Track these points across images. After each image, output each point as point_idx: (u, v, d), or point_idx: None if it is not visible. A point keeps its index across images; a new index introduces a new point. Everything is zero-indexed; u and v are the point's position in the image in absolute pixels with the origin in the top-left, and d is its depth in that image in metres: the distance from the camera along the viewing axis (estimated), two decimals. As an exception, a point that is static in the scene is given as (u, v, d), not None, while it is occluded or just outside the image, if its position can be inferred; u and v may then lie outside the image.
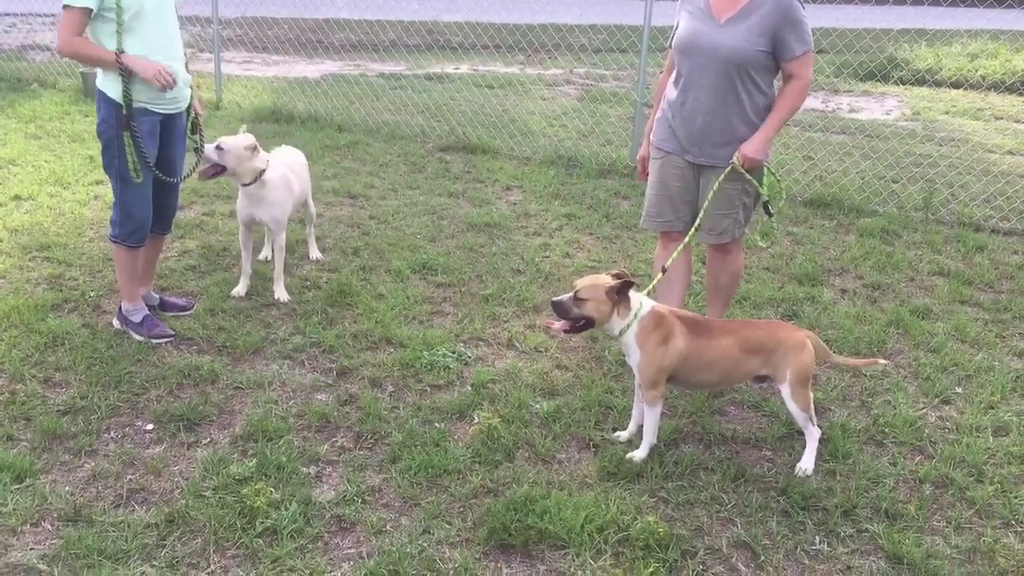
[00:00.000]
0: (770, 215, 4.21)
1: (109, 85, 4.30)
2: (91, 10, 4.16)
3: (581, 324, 3.60)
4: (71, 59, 4.36)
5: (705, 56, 4.02)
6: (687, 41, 4.10)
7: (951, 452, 3.79)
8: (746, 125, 4.07)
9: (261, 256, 5.73)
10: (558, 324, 3.64)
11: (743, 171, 4.06)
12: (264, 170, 5.01)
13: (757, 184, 4.12)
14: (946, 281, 5.81)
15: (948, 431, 4.02)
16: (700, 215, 4.16)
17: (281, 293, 5.17)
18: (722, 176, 4.08)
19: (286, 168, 5.25)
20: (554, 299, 3.62)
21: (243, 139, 4.95)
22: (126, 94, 4.25)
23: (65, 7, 4.16)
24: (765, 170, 4.11)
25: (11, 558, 3.02)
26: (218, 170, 4.90)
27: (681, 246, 4.14)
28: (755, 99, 4.06)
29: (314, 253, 5.83)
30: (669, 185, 4.32)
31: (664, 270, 4.07)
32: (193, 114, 4.70)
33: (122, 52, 4.22)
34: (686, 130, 4.17)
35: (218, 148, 4.85)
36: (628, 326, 3.59)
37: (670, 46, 4.27)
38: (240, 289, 5.20)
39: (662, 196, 4.37)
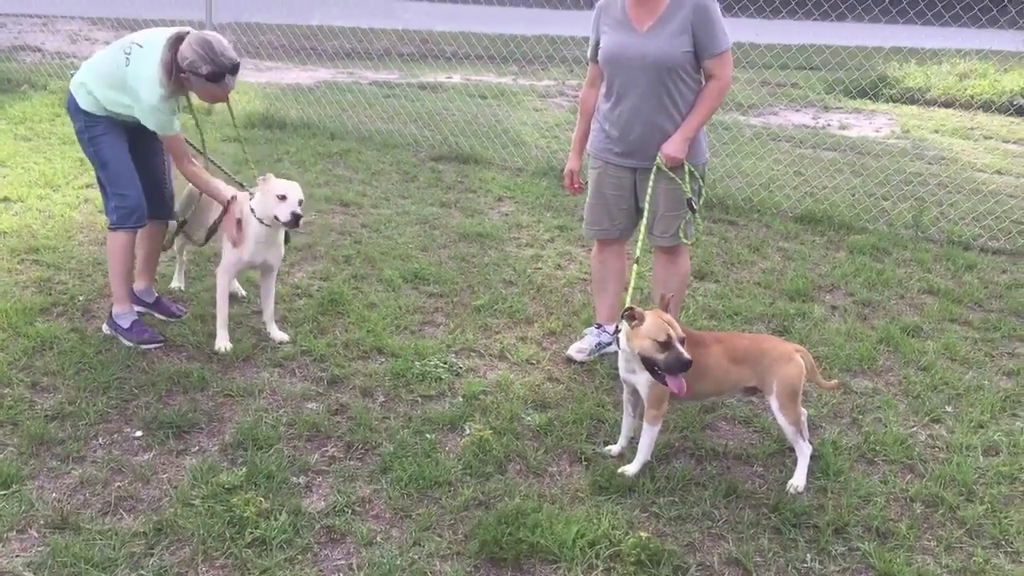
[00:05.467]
0: (693, 211, 4.32)
1: (81, 95, 4.41)
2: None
3: None
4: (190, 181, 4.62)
5: (634, 65, 4.21)
6: (614, 53, 4.27)
7: (941, 471, 3.80)
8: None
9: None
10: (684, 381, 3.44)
11: (666, 170, 4.23)
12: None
13: (680, 182, 4.25)
14: (936, 299, 5.83)
15: (938, 450, 4.03)
16: (645, 216, 4.27)
17: (278, 333, 4.78)
18: (651, 177, 4.24)
19: None
20: (684, 359, 3.35)
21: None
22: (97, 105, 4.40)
23: (164, 136, 4.36)
24: (687, 167, 4.24)
25: (-4, 565, 2.99)
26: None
27: (637, 251, 4.13)
28: (687, 98, 4.26)
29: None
30: (606, 194, 4.55)
31: (637, 260, 4.08)
32: None
33: (234, 199, 4.54)
34: (625, 138, 4.35)
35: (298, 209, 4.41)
36: None
37: (593, 60, 4.47)
38: (225, 343, 4.63)
39: (599, 205, 4.61)
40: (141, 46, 4.24)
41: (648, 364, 3.47)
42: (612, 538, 3.23)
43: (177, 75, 4.15)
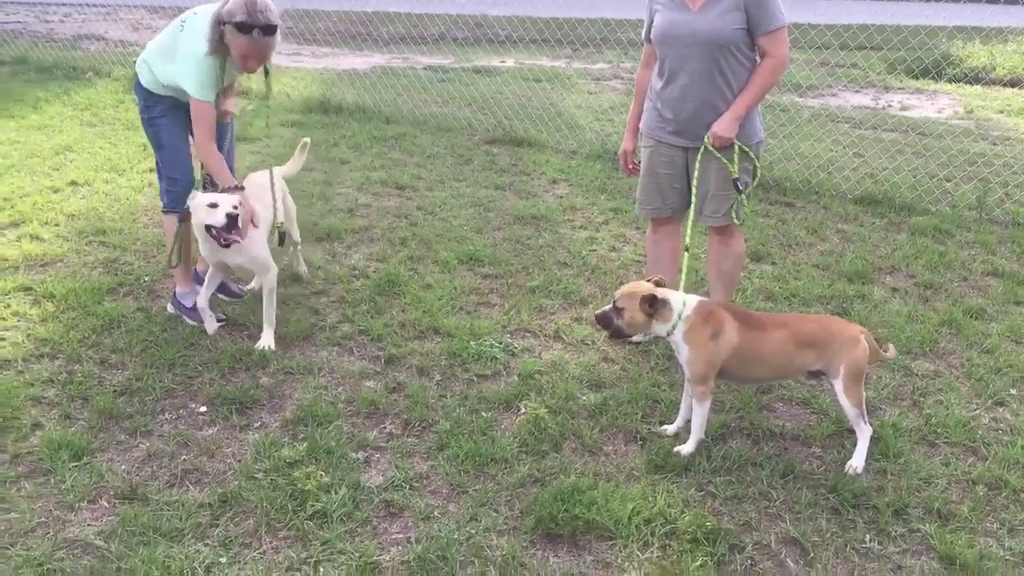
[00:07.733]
0: (739, 192, 4.29)
1: (143, 72, 4.52)
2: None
3: (625, 332, 3.70)
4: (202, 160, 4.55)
5: (686, 43, 4.17)
6: (666, 31, 4.24)
7: (1005, 454, 3.73)
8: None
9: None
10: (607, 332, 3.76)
11: (713, 150, 4.21)
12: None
13: (727, 163, 4.23)
14: (1000, 281, 5.71)
15: (1002, 432, 3.95)
16: (694, 197, 4.26)
17: (268, 341, 4.48)
18: (699, 156, 4.24)
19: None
20: (597, 312, 3.71)
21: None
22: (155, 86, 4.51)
23: (197, 101, 4.30)
24: (736, 147, 4.21)
25: (69, 533, 3.09)
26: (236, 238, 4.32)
27: (688, 230, 4.14)
28: (740, 76, 4.20)
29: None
30: (659, 173, 4.51)
31: (687, 248, 4.15)
32: None
33: (242, 188, 4.42)
34: (677, 117, 4.32)
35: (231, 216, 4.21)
36: (674, 327, 3.58)
37: (647, 40, 4.43)
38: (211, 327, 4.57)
39: (651, 184, 4.57)
40: (196, 14, 4.32)
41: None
42: (668, 516, 3.23)
43: (220, 30, 4.16)
